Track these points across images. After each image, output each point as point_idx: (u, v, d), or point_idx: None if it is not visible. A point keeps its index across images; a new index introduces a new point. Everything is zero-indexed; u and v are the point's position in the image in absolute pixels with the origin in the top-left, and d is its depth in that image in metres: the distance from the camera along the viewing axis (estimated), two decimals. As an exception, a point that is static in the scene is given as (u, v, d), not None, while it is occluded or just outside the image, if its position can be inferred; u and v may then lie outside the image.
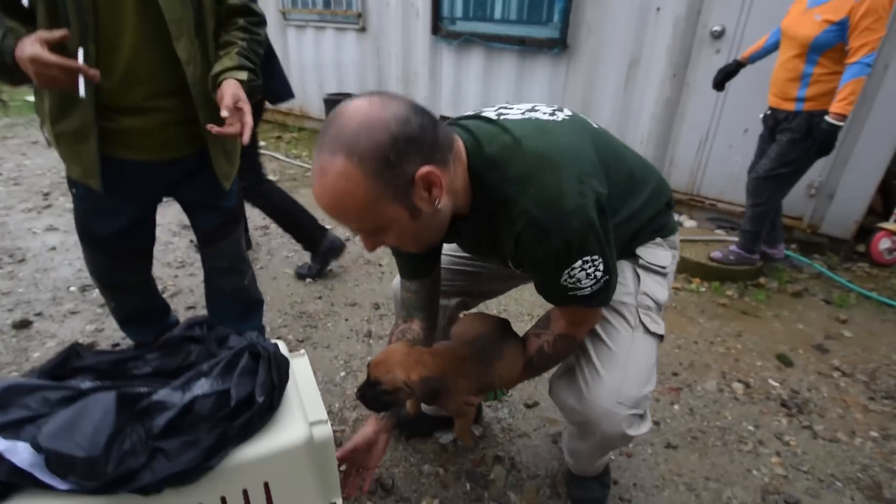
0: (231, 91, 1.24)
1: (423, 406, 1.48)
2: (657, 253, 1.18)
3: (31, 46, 1.04)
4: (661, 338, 1.17)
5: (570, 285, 0.94)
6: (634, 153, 1.17)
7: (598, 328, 1.16)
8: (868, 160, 2.90)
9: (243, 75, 1.28)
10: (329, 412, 1.78)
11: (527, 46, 3.77)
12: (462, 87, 4.37)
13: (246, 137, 1.25)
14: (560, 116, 1.01)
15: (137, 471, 0.89)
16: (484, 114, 1.02)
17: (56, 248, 2.90)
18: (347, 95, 5.04)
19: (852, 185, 3.00)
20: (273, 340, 1.17)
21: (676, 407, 1.87)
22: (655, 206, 1.15)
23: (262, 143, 5.16)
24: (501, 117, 0.99)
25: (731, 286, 2.74)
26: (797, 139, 2.35)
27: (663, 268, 1.18)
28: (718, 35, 3.11)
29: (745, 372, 2.08)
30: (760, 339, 2.31)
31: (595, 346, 1.14)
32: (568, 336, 1.09)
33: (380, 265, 2.89)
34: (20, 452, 0.87)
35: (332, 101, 4.98)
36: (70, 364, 1.02)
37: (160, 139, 1.36)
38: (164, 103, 1.33)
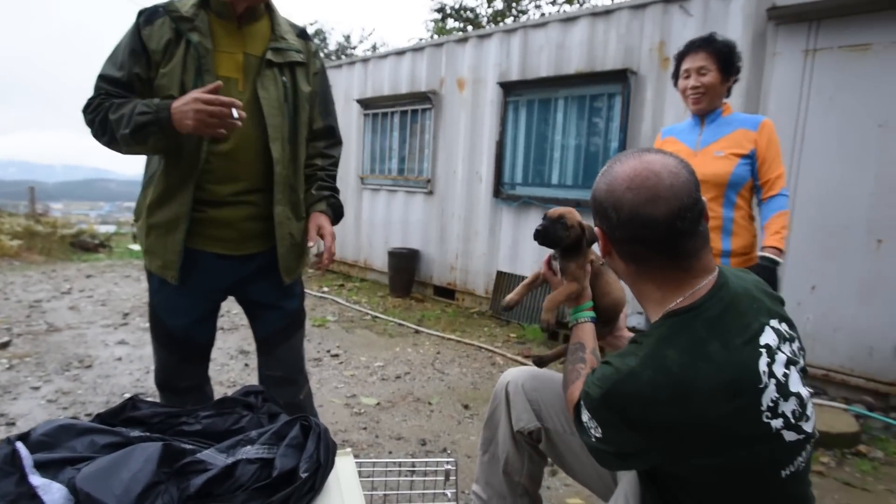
0: (315, 222, 1.52)
1: None
2: None
3: (191, 93, 1.22)
4: None
5: (583, 421, 0.96)
6: None
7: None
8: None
9: (323, 206, 1.57)
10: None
11: (582, 207, 4.02)
12: (520, 244, 4.60)
13: (325, 259, 1.50)
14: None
15: (162, 533, 0.80)
16: (763, 336, 0.87)
17: (122, 359, 3.02)
18: (411, 250, 5.42)
19: (949, 350, 2.72)
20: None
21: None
22: None
23: (325, 289, 5.49)
24: (764, 343, 0.86)
25: (826, 453, 2.37)
26: None
27: None
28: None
29: (866, 559, 1.69)
30: (877, 521, 1.91)
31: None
32: (567, 384, 1.12)
33: (429, 403, 2.76)
34: (53, 493, 0.82)
35: (396, 254, 5.34)
36: (126, 413, 1.00)
37: (239, 232, 1.47)
38: (250, 198, 1.47)
